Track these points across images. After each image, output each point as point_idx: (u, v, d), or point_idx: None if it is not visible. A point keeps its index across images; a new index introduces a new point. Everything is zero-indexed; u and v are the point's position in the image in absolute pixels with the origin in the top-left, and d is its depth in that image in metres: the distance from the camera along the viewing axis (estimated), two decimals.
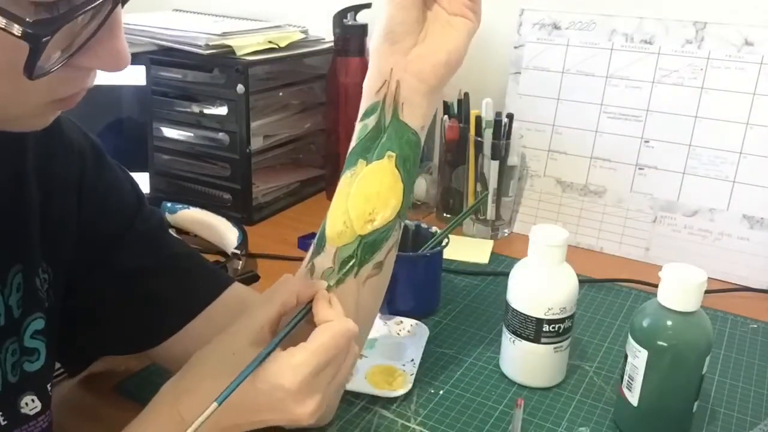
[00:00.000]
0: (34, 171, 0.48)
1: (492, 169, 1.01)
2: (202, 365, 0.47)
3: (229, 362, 0.45)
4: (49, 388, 0.50)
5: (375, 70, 0.55)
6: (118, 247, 0.54)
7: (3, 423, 0.46)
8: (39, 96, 0.34)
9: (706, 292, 0.57)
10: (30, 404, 0.48)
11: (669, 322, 0.57)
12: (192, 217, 0.99)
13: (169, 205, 1.00)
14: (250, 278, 0.84)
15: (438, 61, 0.54)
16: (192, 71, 1.05)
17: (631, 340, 0.60)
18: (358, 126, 0.55)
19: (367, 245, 0.54)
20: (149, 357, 0.59)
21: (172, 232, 0.64)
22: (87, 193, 0.52)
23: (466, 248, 0.98)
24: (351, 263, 0.54)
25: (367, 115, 0.55)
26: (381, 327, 0.75)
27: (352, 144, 0.56)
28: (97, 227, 0.53)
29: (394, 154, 0.54)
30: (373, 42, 0.55)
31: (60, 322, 0.51)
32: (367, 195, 0.54)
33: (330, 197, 1.20)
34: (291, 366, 0.45)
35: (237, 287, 0.59)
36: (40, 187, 0.48)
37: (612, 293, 0.88)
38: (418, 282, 0.80)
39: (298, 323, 0.48)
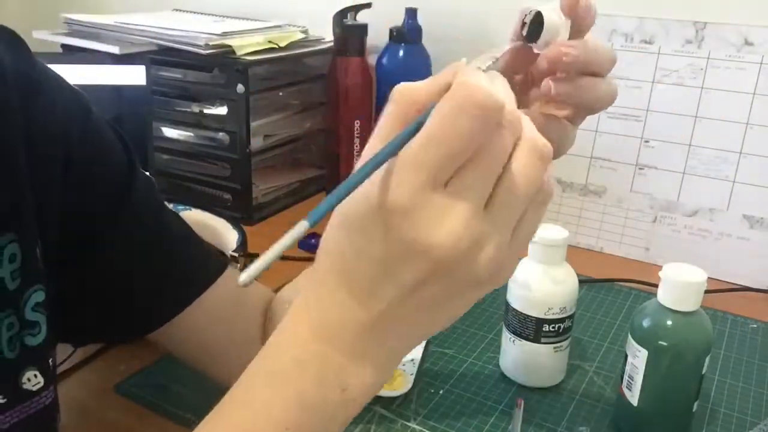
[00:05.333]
0: (22, 140, 0.45)
1: None
2: None
3: None
4: (51, 363, 0.48)
5: None
6: (110, 225, 0.51)
7: (2, 401, 0.44)
8: None
9: (706, 292, 0.57)
10: (33, 380, 0.46)
11: (669, 322, 0.57)
12: (191, 218, 0.98)
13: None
14: None
15: None
16: (192, 71, 1.05)
17: (631, 339, 0.60)
18: None
19: None
20: (150, 341, 0.56)
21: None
22: (73, 167, 0.49)
23: None
24: None
25: None
26: None
27: None
28: (86, 200, 0.50)
29: None
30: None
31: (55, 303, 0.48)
32: None
33: None
34: (389, 171, 0.30)
35: (234, 271, 0.58)
36: (28, 159, 0.45)
37: (612, 293, 0.88)
38: None
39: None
